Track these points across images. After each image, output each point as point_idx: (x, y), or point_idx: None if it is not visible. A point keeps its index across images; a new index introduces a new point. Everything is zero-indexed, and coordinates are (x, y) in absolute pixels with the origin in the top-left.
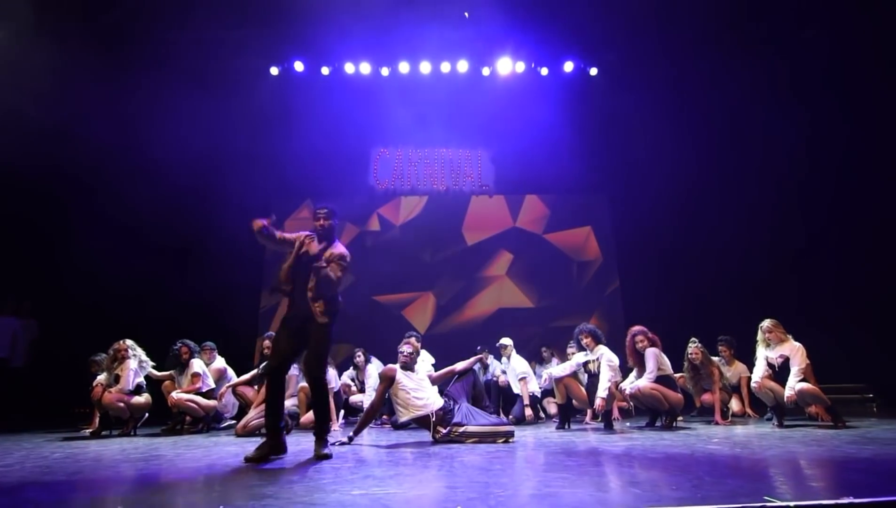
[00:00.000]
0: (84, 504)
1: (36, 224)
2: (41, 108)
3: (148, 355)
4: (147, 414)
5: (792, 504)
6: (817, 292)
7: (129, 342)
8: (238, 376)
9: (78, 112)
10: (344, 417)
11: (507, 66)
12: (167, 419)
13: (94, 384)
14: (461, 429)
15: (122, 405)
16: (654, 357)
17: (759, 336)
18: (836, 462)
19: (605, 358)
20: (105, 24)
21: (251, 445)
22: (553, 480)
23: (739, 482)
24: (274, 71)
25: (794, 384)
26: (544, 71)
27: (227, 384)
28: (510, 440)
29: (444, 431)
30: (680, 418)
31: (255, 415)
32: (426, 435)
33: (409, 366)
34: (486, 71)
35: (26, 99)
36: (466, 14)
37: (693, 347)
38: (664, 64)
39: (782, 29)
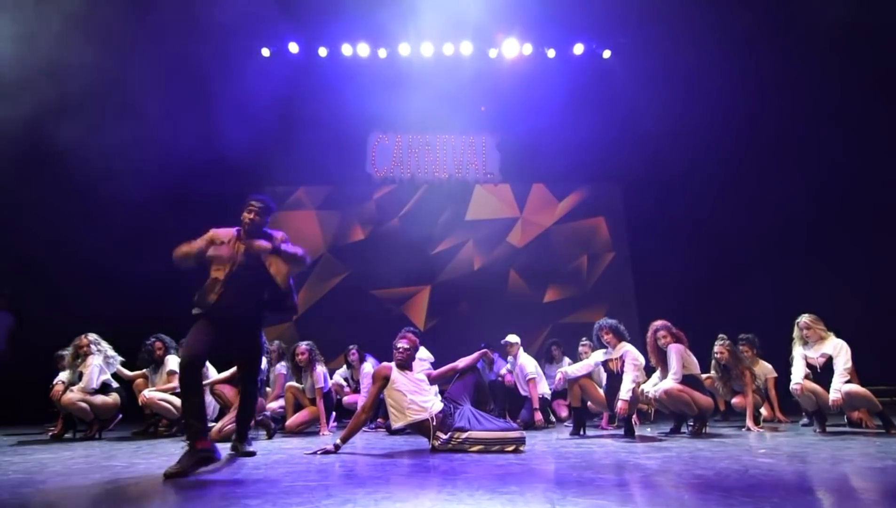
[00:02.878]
0: None
1: (11, 210)
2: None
3: (119, 350)
4: (119, 416)
5: None
6: (843, 286)
7: (92, 336)
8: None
9: (65, 99)
10: (336, 419)
11: (513, 48)
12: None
13: (55, 382)
14: (464, 435)
15: (83, 405)
16: (679, 355)
17: (796, 333)
18: None
19: (630, 356)
20: (90, 4)
21: (225, 451)
22: (585, 505)
23: (819, 501)
24: (266, 52)
25: (839, 386)
26: (551, 53)
27: (205, 383)
28: (521, 448)
29: (445, 437)
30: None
31: (232, 418)
32: (424, 442)
33: (405, 364)
34: (492, 53)
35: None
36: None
37: (720, 345)
38: (681, 47)
39: (806, 13)
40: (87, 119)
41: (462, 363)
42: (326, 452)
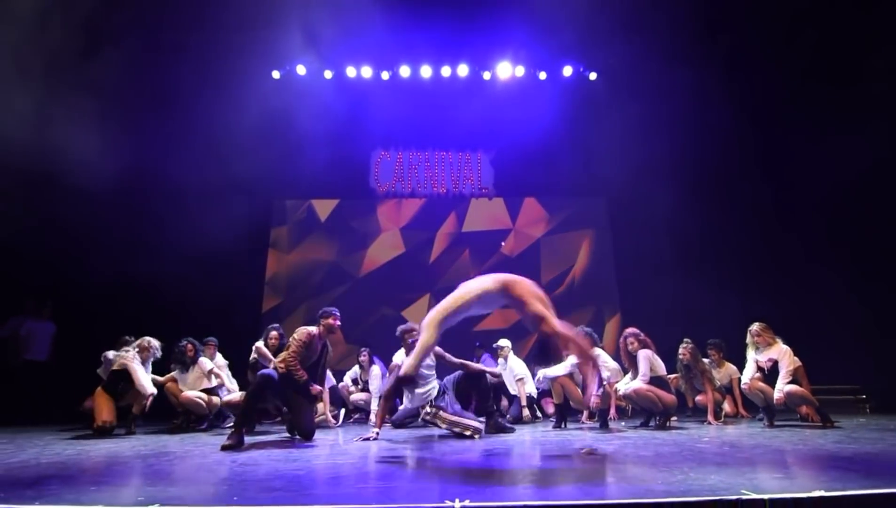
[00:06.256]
0: (104, 497)
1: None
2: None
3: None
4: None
5: (766, 497)
6: (814, 294)
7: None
8: (234, 376)
9: (87, 118)
10: (346, 415)
11: (506, 70)
12: (168, 418)
13: (165, 380)
14: (439, 412)
15: (200, 402)
16: (647, 359)
17: (748, 339)
18: (816, 459)
19: (601, 360)
20: (106, 28)
21: (251, 443)
22: (547, 475)
23: (721, 477)
24: (276, 74)
25: (782, 387)
26: (543, 75)
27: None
28: (476, 436)
29: (429, 411)
30: (674, 418)
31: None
32: (425, 433)
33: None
34: (486, 75)
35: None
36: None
37: (682, 347)
38: (663, 69)
39: (779, 35)
40: (105, 137)
41: (472, 366)
42: (367, 439)
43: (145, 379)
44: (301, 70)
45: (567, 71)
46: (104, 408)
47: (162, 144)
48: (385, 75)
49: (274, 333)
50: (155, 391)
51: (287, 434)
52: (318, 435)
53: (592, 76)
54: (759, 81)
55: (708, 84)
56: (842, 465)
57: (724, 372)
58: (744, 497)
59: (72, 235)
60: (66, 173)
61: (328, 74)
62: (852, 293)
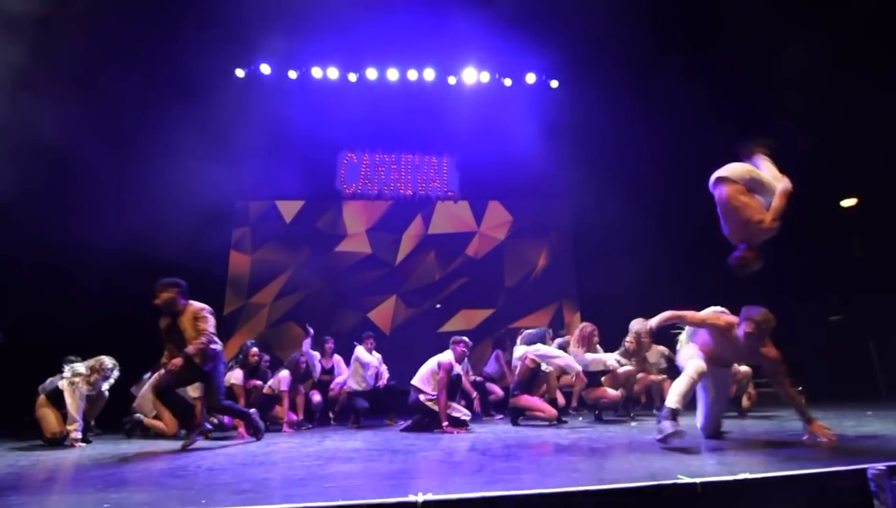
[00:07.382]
0: (68, 503)
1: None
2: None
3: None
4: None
5: (698, 480)
6: (753, 286)
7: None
8: None
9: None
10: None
11: (472, 75)
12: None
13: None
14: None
15: None
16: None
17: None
18: (748, 445)
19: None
20: (62, 24)
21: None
22: (506, 469)
23: (663, 464)
24: (240, 73)
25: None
26: (508, 81)
27: None
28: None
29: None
30: (632, 414)
31: None
32: (390, 433)
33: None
34: (452, 80)
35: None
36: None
37: (630, 338)
38: (621, 77)
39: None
40: (66, 143)
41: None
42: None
43: (75, 409)
44: (266, 69)
45: (530, 78)
46: (51, 419)
47: (122, 143)
48: (352, 77)
49: (254, 349)
50: (81, 422)
51: (243, 439)
52: (284, 438)
53: (554, 84)
54: (712, 91)
55: (662, 91)
56: (769, 450)
57: (655, 352)
58: (679, 481)
59: (18, 238)
60: (11, 176)
61: (293, 74)
62: (796, 285)
